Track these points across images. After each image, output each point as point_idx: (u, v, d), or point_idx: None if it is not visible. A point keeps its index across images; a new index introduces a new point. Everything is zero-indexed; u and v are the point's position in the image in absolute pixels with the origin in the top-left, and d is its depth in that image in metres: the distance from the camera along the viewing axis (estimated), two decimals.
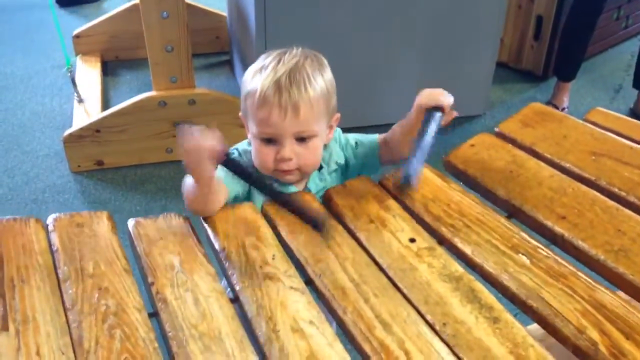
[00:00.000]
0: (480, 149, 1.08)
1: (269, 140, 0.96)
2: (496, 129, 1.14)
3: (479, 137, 1.11)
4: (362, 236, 0.89)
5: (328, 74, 0.99)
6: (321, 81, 0.96)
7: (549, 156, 1.06)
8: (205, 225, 0.91)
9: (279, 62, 0.95)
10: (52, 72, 2.94)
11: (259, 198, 1.00)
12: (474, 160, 1.05)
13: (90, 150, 2.21)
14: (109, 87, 2.81)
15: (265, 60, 0.97)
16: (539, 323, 0.77)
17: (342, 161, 1.08)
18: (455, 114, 1.01)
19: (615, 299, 0.77)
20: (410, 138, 1.01)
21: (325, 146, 1.05)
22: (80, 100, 2.49)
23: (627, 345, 0.71)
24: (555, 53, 2.77)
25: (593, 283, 0.80)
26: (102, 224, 0.90)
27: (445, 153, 1.07)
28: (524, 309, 0.78)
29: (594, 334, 0.72)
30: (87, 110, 2.44)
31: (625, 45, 3.31)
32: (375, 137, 1.10)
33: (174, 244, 0.87)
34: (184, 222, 0.91)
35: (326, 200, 0.98)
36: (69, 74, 2.44)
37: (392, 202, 0.96)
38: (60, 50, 2.47)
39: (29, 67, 2.99)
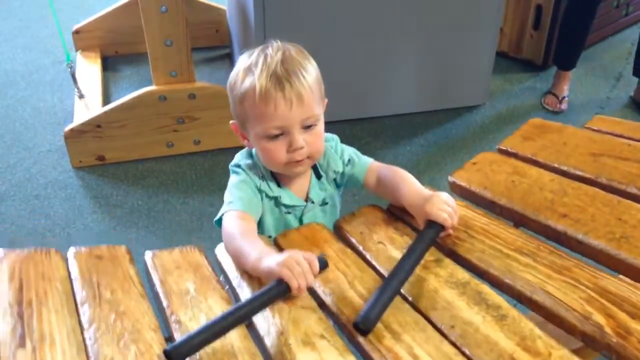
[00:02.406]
0: (482, 166, 1.09)
1: (277, 136, 0.96)
2: (498, 147, 1.15)
3: (480, 155, 1.13)
4: (370, 256, 0.91)
5: (312, 60, 0.99)
6: (311, 67, 0.97)
7: (549, 163, 1.07)
8: (218, 254, 0.93)
9: (265, 57, 0.94)
10: (52, 68, 2.94)
11: (269, 221, 1.03)
12: (476, 176, 1.06)
13: (91, 145, 2.21)
14: (109, 82, 2.81)
15: (250, 59, 0.96)
16: (546, 317, 0.77)
17: (340, 170, 1.08)
18: (451, 233, 0.93)
19: (619, 283, 0.78)
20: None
21: (324, 154, 1.05)
22: (81, 96, 2.49)
23: (634, 325, 0.71)
24: (555, 42, 2.76)
25: (597, 272, 0.81)
26: (120, 256, 0.92)
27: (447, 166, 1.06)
28: (531, 305, 0.79)
29: (600, 318, 0.73)
30: (88, 105, 2.44)
31: (625, 33, 3.30)
32: (369, 162, 1.10)
33: (189, 272, 0.89)
34: (199, 254, 0.93)
35: (336, 230, 0.99)
36: (70, 70, 2.44)
37: (400, 224, 0.98)
38: (61, 46, 2.48)
39: (30, 63, 2.99)
